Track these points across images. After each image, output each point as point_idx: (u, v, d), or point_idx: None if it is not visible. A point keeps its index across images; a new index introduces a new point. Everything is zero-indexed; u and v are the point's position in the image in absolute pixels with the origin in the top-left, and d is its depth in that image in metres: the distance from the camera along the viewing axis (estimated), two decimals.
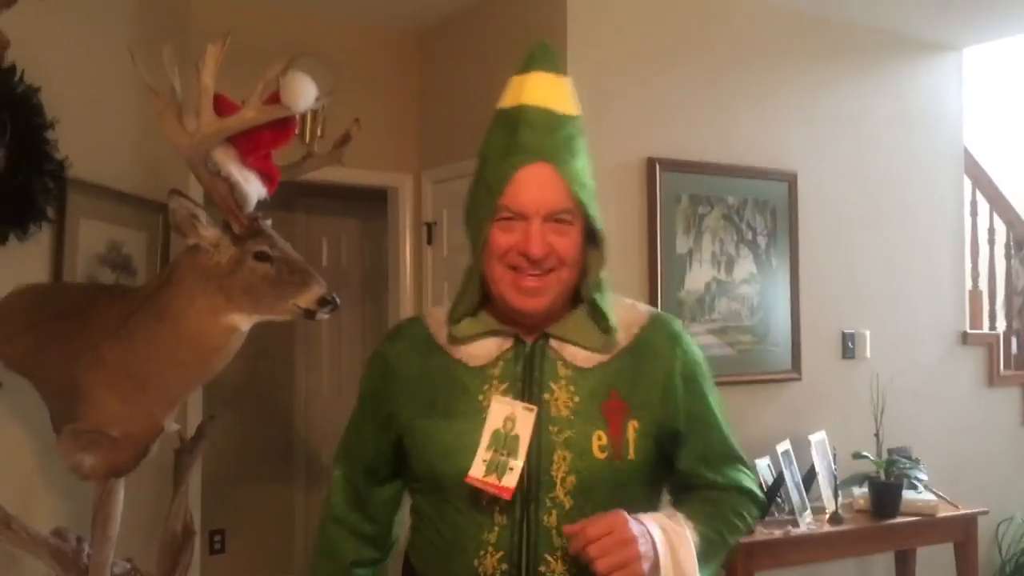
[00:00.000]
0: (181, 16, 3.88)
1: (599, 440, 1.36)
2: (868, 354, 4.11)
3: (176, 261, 2.26)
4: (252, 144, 2.15)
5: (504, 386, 1.39)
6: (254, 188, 2.20)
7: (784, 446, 3.61)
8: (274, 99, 2.10)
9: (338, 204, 5.22)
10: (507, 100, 1.42)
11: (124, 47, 2.19)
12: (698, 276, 3.72)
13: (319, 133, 4.08)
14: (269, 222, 2.39)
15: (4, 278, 2.52)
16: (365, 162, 4.22)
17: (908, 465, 3.68)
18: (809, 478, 3.67)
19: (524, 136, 1.36)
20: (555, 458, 1.36)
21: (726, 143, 3.79)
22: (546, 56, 1.42)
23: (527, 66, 1.41)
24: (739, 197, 3.80)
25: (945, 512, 3.69)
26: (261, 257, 2.20)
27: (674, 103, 3.68)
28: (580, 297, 1.44)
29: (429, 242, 4.20)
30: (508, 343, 1.43)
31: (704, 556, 1.37)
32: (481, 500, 1.36)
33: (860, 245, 4.15)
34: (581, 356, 1.41)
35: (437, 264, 4.17)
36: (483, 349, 1.43)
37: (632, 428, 1.36)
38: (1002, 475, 4.52)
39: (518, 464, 1.33)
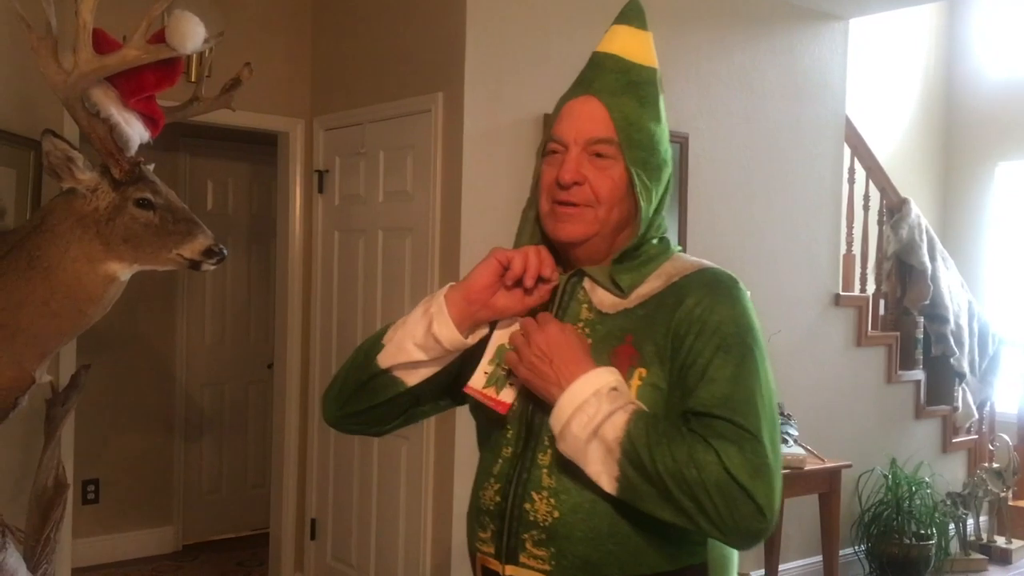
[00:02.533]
0: None
1: None
2: None
3: (49, 206, 2.15)
4: (135, 85, 2.05)
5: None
6: (136, 131, 2.10)
7: None
8: (159, 38, 2.00)
9: (227, 146, 5.04)
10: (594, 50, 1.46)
11: None
12: None
13: (207, 74, 3.92)
14: (152, 167, 2.29)
15: None
16: (255, 105, 4.08)
17: (779, 421, 3.85)
18: None
19: (586, 74, 1.41)
20: None
21: None
22: (633, 11, 1.44)
23: (616, 20, 1.45)
24: None
25: (812, 465, 3.88)
26: (143, 204, 2.11)
27: (566, 60, 3.68)
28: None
29: (320, 190, 4.10)
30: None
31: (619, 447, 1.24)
32: (498, 437, 1.38)
33: (744, 207, 4.28)
34: (608, 301, 1.36)
35: (328, 213, 4.09)
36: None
37: (638, 376, 1.30)
38: (865, 430, 4.79)
39: (518, 381, 1.33)
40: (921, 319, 5.09)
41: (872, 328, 4.93)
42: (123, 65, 1.95)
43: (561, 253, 1.40)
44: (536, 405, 1.34)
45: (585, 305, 1.37)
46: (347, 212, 3.98)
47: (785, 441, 3.88)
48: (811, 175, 4.57)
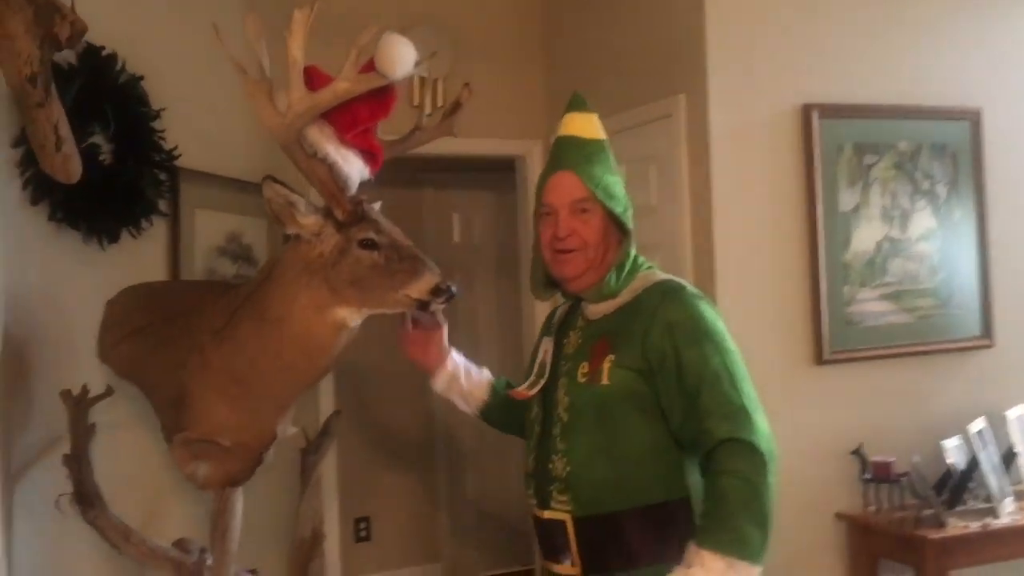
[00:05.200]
0: None
1: (583, 370, 1.82)
2: None
3: (279, 254, 2.07)
4: (349, 120, 1.91)
5: (553, 334, 1.98)
6: (355, 168, 1.97)
7: (978, 425, 3.16)
8: (371, 67, 1.86)
9: (469, 177, 4.99)
10: (553, 138, 1.98)
11: (229, 26, 1.98)
12: (866, 235, 3.29)
13: (438, 104, 3.86)
14: (379, 205, 2.17)
15: (120, 277, 2.40)
16: (491, 130, 3.98)
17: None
18: (1008, 460, 3.20)
19: (556, 155, 1.92)
20: (559, 384, 1.87)
21: (894, 81, 3.32)
22: (577, 102, 1.97)
23: (566, 110, 1.97)
24: (912, 142, 3.33)
25: None
26: (367, 245, 1.97)
27: (830, 41, 3.24)
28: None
29: None
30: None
31: (732, 550, 1.61)
32: (531, 421, 1.93)
33: None
34: (593, 311, 1.89)
35: None
36: (562, 311, 2.03)
37: (608, 361, 1.78)
38: None
39: (542, 381, 1.90)
40: None
41: None
42: (335, 100, 1.83)
43: (563, 286, 1.93)
44: (550, 395, 1.88)
45: (580, 317, 1.93)
46: None
47: None
48: None
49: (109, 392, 2.27)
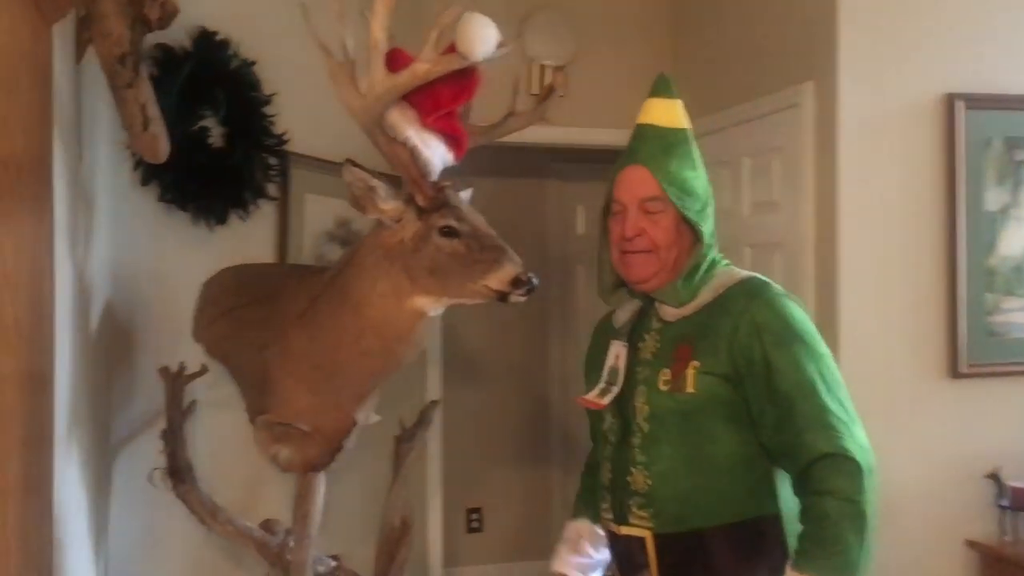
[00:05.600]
0: None
1: (664, 377, 1.67)
2: None
3: (362, 239, 2.04)
4: (431, 103, 1.87)
5: (624, 338, 1.79)
6: (437, 153, 1.92)
7: None
8: (452, 49, 1.80)
9: (596, 168, 4.88)
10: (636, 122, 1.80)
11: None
12: (1016, 238, 2.99)
13: (560, 93, 3.77)
14: (467, 193, 2.11)
15: (227, 259, 2.44)
16: (616, 121, 3.84)
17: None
18: None
19: (632, 145, 1.77)
20: (637, 392, 1.71)
21: None
22: (660, 85, 1.80)
23: (649, 94, 1.81)
24: None
25: None
26: (448, 232, 1.91)
27: (978, 24, 2.95)
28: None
29: None
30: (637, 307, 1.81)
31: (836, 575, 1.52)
32: (604, 431, 1.79)
33: None
34: (670, 312, 1.73)
35: None
36: (624, 315, 1.83)
37: (692, 367, 1.64)
38: None
39: (615, 389, 1.74)
40: None
41: None
42: (414, 81, 1.78)
43: (632, 287, 1.78)
44: (625, 403, 1.72)
45: (654, 318, 1.75)
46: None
47: None
48: None
49: (203, 371, 2.32)
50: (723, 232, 3.57)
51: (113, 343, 2.39)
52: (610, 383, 1.75)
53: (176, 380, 2.31)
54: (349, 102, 1.84)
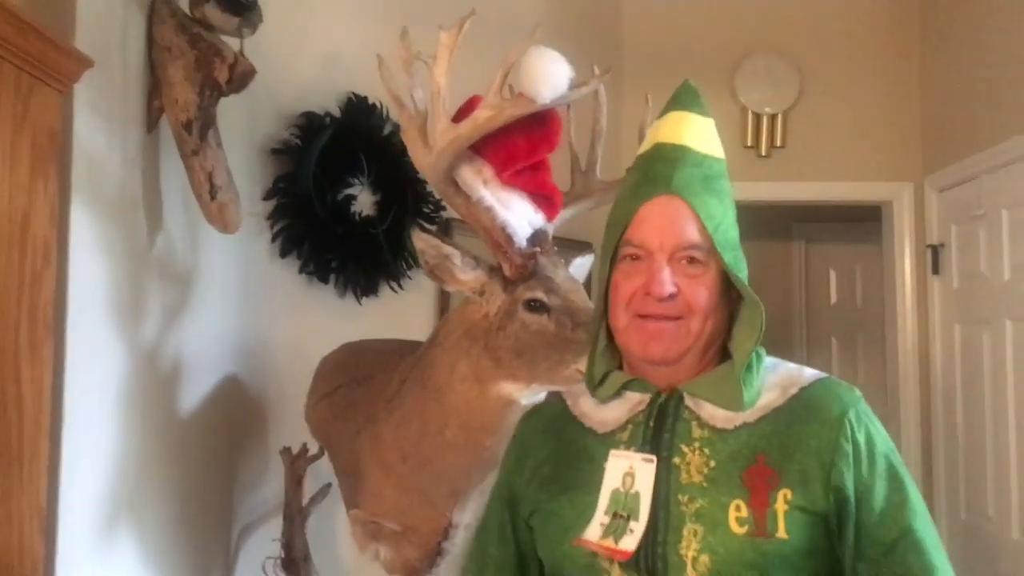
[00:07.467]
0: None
1: (737, 511, 1.13)
2: None
3: (448, 314, 1.80)
4: (505, 155, 1.60)
5: (631, 451, 1.20)
6: (519, 214, 1.64)
7: None
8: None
9: (850, 228, 4.30)
10: (644, 145, 1.28)
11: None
12: None
13: (776, 143, 3.32)
14: (584, 260, 1.82)
15: (383, 330, 2.31)
16: (857, 172, 3.35)
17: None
18: None
19: (655, 169, 1.22)
20: (684, 533, 1.15)
21: None
22: (688, 96, 1.27)
23: (666, 108, 1.27)
24: None
25: None
26: (535, 307, 1.63)
27: None
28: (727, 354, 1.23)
29: (935, 271, 3.12)
30: (643, 404, 1.22)
31: None
32: None
33: None
34: (721, 416, 1.19)
35: (946, 299, 3.09)
36: (615, 413, 1.24)
37: (782, 498, 1.13)
38: None
39: (639, 526, 1.15)
40: None
41: None
42: (476, 131, 1.52)
43: (637, 369, 1.24)
44: (655, 549, 1.14)
45: (694, 423, 1.19)
46: (967, 296, 2.94)
47: None
48: None
49: (321, 453, 2.17)
50: (978, 302, 2.95)
51: (236, 422, 2.32)
52: (620, 515, 1.16)
53: (296, 462, 2.19)
54: (418, 158, 1.63)
